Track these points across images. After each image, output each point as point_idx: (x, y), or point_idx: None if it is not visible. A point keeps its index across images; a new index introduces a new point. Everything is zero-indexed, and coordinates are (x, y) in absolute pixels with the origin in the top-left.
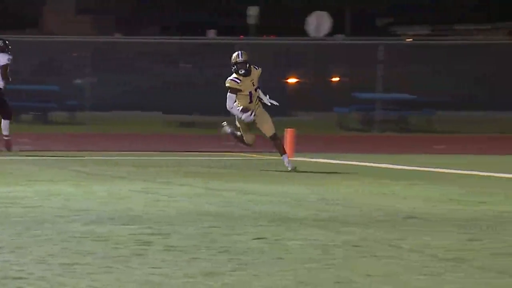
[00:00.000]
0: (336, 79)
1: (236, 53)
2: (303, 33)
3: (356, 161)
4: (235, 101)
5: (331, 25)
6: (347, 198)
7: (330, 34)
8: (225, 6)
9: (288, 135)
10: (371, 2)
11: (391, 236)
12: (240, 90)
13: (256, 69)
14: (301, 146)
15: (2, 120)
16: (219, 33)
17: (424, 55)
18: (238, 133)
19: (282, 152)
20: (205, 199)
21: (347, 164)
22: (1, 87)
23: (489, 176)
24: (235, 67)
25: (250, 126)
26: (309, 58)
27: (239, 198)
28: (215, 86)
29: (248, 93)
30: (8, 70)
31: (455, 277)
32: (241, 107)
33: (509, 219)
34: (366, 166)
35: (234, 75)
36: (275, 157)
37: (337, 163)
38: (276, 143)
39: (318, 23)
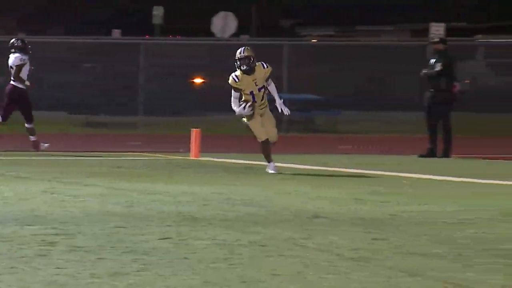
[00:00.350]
0: None
1: (240, 48)
2: (209, 33)
3: (262, 161)
4: (240, 101)
5: (236, 26)
6: (253, 198)
7: (236, 34)
8: (130, 6)
9: (194, 135)
10: (277, 3)
11: (298, 236)
12: (240, 89)
13: (264, 67)
14: (208, 147)
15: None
16: (123, 33)
17: (329, 56)
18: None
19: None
20: (111, 199)
21: (254, 164)
22: (22, 87)
23: (394, 175)
24: (238, 63)
25: (262, 122)
26: (215, 59)
27: (145, 198)
28: (120, 85)
29: (250, 93)
30: (22, 71)
31: (361, 276)
32: (243, 104)
33: (413, 219)
34: None
35: (237, 72)
36: (182, 157)
37: (244, 163)
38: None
39: (224, 24)
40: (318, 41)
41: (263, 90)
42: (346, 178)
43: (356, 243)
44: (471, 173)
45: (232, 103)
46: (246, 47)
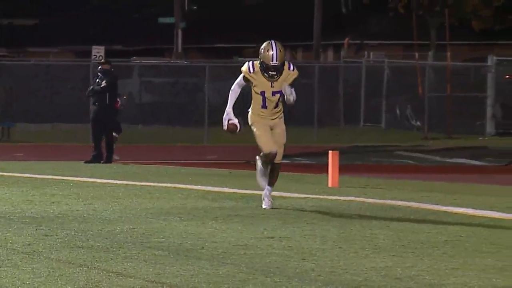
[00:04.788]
0: None
1: (273, 51)
2: None
3: None
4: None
5: None
6: None
7: None
8: None
9: None
10: None
11: None
12: (250, 82)
13: (290, 68)
14: None
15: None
16: None
17: (1, 74)
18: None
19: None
20: None
21: None
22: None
23: (62, 179)
24: (263, 66)
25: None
26: None
27: None
28: None
29: (261, 93)
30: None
31: (34, 267)
32: (228, 116)
33: (80, 216)
34: None
35: (256, 61)
36: None
37: None
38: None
39: None
40: None
41: (278, 95)
42: (19, 182)
43: (29, 239)
44: (130, 176)
45: (231, 90)
46: (280, 49)
